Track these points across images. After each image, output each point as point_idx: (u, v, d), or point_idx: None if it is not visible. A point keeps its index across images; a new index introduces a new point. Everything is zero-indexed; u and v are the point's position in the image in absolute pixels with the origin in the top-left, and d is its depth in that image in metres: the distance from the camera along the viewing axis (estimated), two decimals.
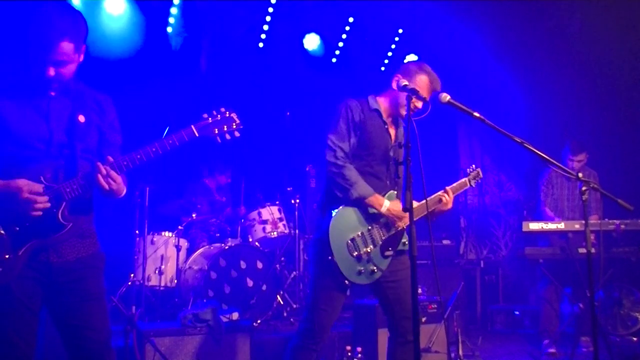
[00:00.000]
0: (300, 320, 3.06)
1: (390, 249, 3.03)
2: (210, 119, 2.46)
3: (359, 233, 2.97)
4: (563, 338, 5.10)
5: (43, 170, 2.28)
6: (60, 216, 2.30)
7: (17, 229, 2.23)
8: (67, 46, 2.24)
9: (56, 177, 2.30)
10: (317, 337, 2.96)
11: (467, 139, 7.99)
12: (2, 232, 2.21)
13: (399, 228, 3.05)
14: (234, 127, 2.51)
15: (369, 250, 2.96)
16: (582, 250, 4.74)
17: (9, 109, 2.29)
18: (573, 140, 5.35)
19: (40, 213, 2.23)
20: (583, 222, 4.00)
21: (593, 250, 3.18)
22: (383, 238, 3.03)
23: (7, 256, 2.21)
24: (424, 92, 2.99)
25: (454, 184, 3.29)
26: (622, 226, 4.67)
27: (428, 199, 3.06)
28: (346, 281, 2.91)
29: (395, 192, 3.11)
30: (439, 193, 3.16)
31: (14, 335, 2.29)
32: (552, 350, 4.96)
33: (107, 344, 2.51)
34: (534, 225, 4.84)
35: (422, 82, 3.03)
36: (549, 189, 5.44)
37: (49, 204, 2.25)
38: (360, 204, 2.98)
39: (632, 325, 5.44)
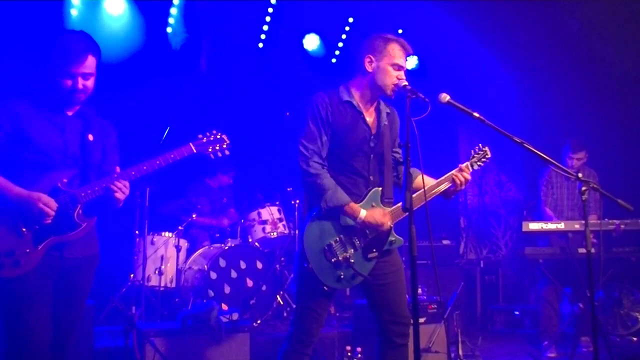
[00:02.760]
0: (289, 324, 2.98)
1: (374, 250, 2.87)
2: (204, 139, 2.92)
3: (337, 238, 2.82)
4: (563, 338, 5.10)
5: (60, 177, 2.62)
6: (76, 217, 2.63)
7: (37, 227, 2.55)
8: (91, 60, 2.62)
9: (72, 184, 2.64)
10: (305, 342, 2.86)
11: (467, 139, 7.99)
12: (24, 229, 2.52)
13: (377, 234, 2.86)
14: (225, 146, 2.97)
15: (348, 255, 2.81)
16: (582, 250, 4.74)
17: (30, 121, 2.61)
18: (573, 138, 5.35)
19: (50, 221, 2.55)
20: (583, 222, 4.00)
21: (593, 250, 3.17)
22: (365, 241, 2.86)
23: (27, 250, 2.52)
24: (401, 59, 2.90)
25: (468, 162, 3.05)
26: (622, 226, 4.67)
27: (442, 178, 2.97)
28: (325, 287, 2.79)
29: (380, 189, 2.94)
30: (453, 172, 2.95)
31: (31, 333, 2.52)
32: (551, 354, 4.96)
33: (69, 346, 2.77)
34: (534, 225, 4.84)
35: (395, 50, 2.90)
36: (549, 188, 5.44)
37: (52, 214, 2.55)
38: (337, 211, 2.82)
39: (632, 325, 5.44)
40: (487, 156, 3.14)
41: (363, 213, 2.82)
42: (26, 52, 5.02)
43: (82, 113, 2.76)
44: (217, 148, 2.94)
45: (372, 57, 2.92)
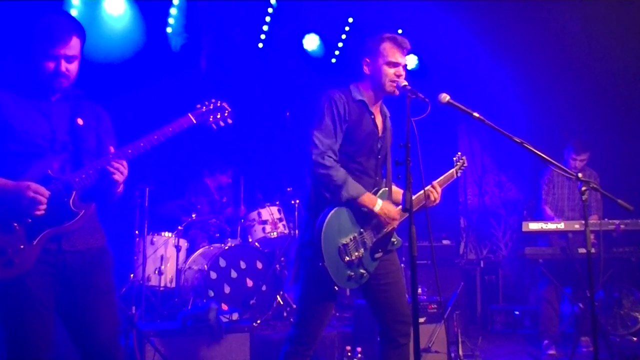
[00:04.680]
0: (292, 324, 2.97)
1: (380, 250, 2.90)
2: (204, 108, 2.71)
3: (352, 237, 2.83)
4: (563, 338, 5.10)
5: (49, 163, 2.40)
6: (71, 204, 2.42)
7: (30, 220, 2.34)
8: (75, 41, 2.43)
9: (63, 169, 2.43)
10: (307, 343, 2.86)
11: (467, 139, 7.99)
12: (16, 224, 2.31)
13: (390, 229, 2.91)
14: (226, 114, 2.76)
15: (360, 255, 2.83)
16: (582, 250, 4.74)
17: (11, 110, 2.41)
18: (577, 139, 5.34)
19: (42, 212, 2.33)
20: (583, 222, 4.00)
21: (593, 250, 3.18)
22: (373, 240, 2.90)
23: (21, 247, 2.31)
24: (396, 57, 2.90)
25: (441, 178, 3.15)
26: (622, 226, 4.67)
27: (415, 195, 2.95)
28: (335, 287, 2.79)
29: (387, 190, 2.98)
30: (427, 188, 3.00)
31: (32, 334, 2.36)
32: (552, 352, 4.96)
33: (116, 341, 2.58)
34: (534, 225, 4.84)
35: (388, 49, 2.90)
36: (550, 188, 5.45)
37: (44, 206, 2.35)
38: (351, 205, 2.83)
39: (632, 325, 5.44)
40: (464, 165, 3.33)
41: (379, 204, 2.85)
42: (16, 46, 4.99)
43: (69, 96, 2.55)
44: (219, 117, 2.73)
45: (367, 59, 2.97)
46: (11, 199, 2.30)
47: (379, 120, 3.02)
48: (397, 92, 2.93)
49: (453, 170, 3.26)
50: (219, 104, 2.74)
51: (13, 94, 2.45)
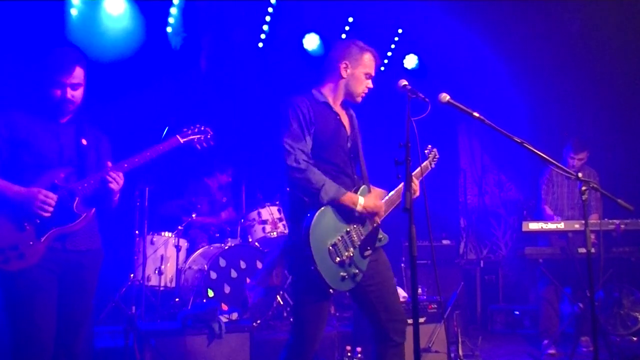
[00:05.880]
0: (289, 333, 2.94)
1: (368, 248, 2.87)
2: (189, 131, 3.14)
3: (339, 237, 2.81)
4: (563, 338, 5.10)
5: (57, 174, 2.76)
6: (75, 208, 2.77)
7: (38, 221, 2.68)
8: (79, 71, 2.80)
9: (68, 180, 2.79)
10: (307, 351, 2.84)
11: (467, 139, 7.99)
12: (26, 224, 2.66)
13: (376, 224, 2.90)
14: (209, 137, 3.20)
15: (350, 254, 2.81)
16: (582, 250, 4.74)
17: (26, 128, 2.77)
18: (575, 138, 5.35)
19: (49, 214, 2.67)
20: (583, 222, 4.00)
21: (593, 250, 3.18)
22: (361, 238, 2.88)
23: (30, 243, 2.66)
24: (372, 69, 3.02)
25: (417, 170, 3.16)
26: (622, 226, 4.67)
27: (395, 190, 3.02)
28: (331, 290, 2.76)
29: (366, 187, 2.99)
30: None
31: (40, 321, 2.65)
32: (551, 351, 4.97)
33: (89, 342, 2.95)
34: (534, 225, 4.84)
35: (368, 60, 3.01)
36: (550, 187, 5.45)
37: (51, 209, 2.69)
38: (333, 205, 2.82)
39: (632, 325, 5.44)
40: (436, 157, 3.42)
41: (361, 200, 2.86)
42: (24, 58, 5.01)
43: (75, 120, 2.93)
44: (202, 139, 3.17)
45: (347, 63, 3.01)
46: (23, 202, 2.66)
47: (345, 120, 3.06)
48: (359, 102, 3.08)
49: (427, 162, 3.37)
50: (202, 128, 3.18)
51: (27, 115, 2.81)
